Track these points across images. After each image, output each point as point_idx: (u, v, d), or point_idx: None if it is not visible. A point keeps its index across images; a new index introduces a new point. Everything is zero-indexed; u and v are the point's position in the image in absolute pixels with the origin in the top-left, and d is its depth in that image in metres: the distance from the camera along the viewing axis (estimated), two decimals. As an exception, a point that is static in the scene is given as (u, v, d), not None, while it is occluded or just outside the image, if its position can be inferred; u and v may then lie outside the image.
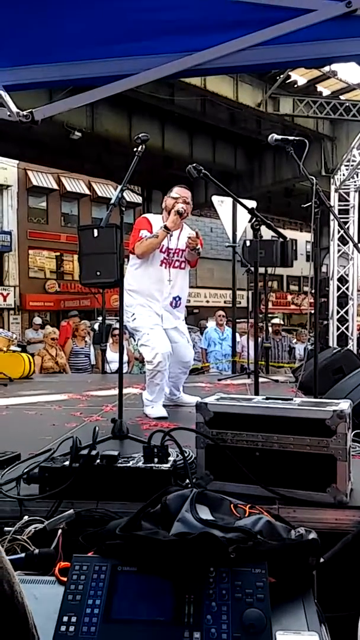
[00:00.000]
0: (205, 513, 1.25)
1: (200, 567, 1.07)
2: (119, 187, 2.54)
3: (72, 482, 1.65)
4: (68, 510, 1.50)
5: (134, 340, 7.76)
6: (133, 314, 3.33)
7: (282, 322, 8.99)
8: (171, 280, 3.42)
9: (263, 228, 2.90)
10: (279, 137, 2.95)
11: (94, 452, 1.74)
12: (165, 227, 3.26)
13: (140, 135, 2.62)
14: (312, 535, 1.20)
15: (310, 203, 2.88)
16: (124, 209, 2.53)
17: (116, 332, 7.05)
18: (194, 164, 2.77)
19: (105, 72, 1.88)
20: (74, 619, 1.04)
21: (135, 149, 2.62)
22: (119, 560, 1.12)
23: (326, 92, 13.79)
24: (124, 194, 2.54)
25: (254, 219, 2.85)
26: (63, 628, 1.02)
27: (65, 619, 1.04)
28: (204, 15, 1.70)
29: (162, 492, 1.32)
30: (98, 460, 1.74)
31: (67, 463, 1.74)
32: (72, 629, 1.02)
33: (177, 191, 3.43)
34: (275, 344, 7.60)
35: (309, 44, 1.62)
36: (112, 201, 2.48)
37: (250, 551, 1.10)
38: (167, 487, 1.39)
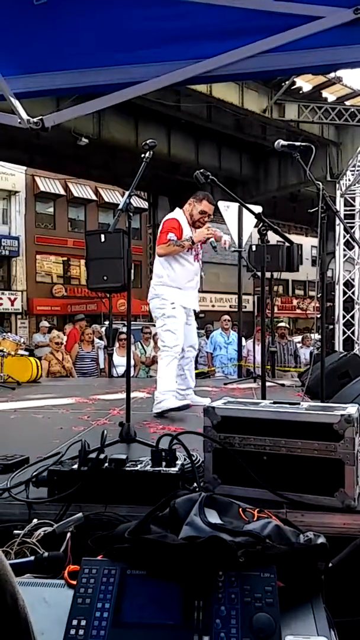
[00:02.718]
0: (213, 517, 1.25)
1: (209, 571, 1.08)
2: (127, 193, 2.56)
3: (81, 485, 1.66)
4: (77, 513, 1.50)
5: (140, 345, 7.82)
6: (173, 302, 3.59)
7: (287, 326, 8.96)
8: (203, 272, 3.80)
9: (269, 233, 2.91)
10: (286, 143, 2.97)
11: (102, 456, 1.75)
12: (192, 241, 3.59)
13: (148, 142, 2.64)
14: (321, 540, 1.20)
15: (317, 208, 2.88)
16: (131, 214, 2.55)
17: (123, 336, 7.07)
18: (202, 170, 2.79)
19: (114, 80, 1.90)
20: (83, 623, 1.04)
21: (142, 155, 2.63)
22: (128, 563, 1.12)
23: (331, 98, 13.81)
24: (131, 199, 2.56)
25: (261, 224, 2.86)
26: (73, 631, 1.03)
27: (74, 622, 1.04)
28: (211, 22, 1.72)
29: (170, 496, 1.32)
30: (106, 464, 1.74)
31: (75, 466, 1.75)
32: (81, 632, 1.03)
33: (207, 207, 3.69)
34: (281, 347, 7.57)
35: (317, 51, 1.63)
36: (120, 207, 2.50)
37: (259, 555, 1.09)
38: (176, 491, 1.39)
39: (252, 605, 1.03)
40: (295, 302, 27.06)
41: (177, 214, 3.72)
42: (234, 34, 1.68)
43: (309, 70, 1.85)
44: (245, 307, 9.74)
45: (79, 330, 8.45)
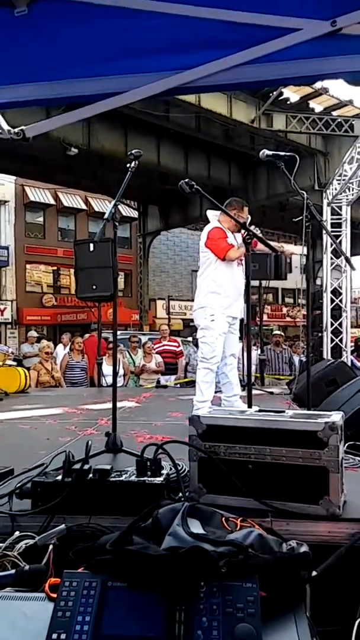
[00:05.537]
0: (196, 527, 1.24)
1: (191, 581, 1.07)
2: (112, 202, 2.56)
3: (65, 496, 1.64)
4: (60, 525, 1.49)
5: (128, 354, 7.78)
6: (213, 315, 3.52)
7: (282, 334, 8.95)
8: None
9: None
10: (271, 152, 3.00)
11: (86, 467, 1.73)
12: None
13: (133, 152, 2.65)
14: (304, 549, 1.20)
15: (301, 217, 2.91)
16: (117, 223, 2.56)
17: (111, 345, 7.04)
18: (186, 180, 2.80)
19: (98, 90, 1.90)
20: (63, 636, 1.02)
21: (127, 165, 2.65)
22: (109, 575, 1.11)
23: (318, 109, 14.00)
24: (119, 208, 2.57)
25: (246, 233, 2.88)
26: (52, 645, 1.01)
27: (54, 635, 1.03)
28: (191, 34, 1.74)
29: (153, 506, 1.31)
30: (90, 475, 1.73)
31: (59, 478, 1.73)
32: (61, 645, 1.01)
33: (247, 211, 3.79)
34: (275, 355, 7.50)
35: (296, 62, 1.65)
36: (105, 216, 2.50)
37: (241, 565, 1.09)
38: (159, 501, 1.38)
39: (233, 615, 1.02)
40: (284, 310, 27.20)
41: (217, 224, 3.73)
42: (214, 46, 1.69)
43: (290, 81, 1.87)
44: (235, 315, 9.71)
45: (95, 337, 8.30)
